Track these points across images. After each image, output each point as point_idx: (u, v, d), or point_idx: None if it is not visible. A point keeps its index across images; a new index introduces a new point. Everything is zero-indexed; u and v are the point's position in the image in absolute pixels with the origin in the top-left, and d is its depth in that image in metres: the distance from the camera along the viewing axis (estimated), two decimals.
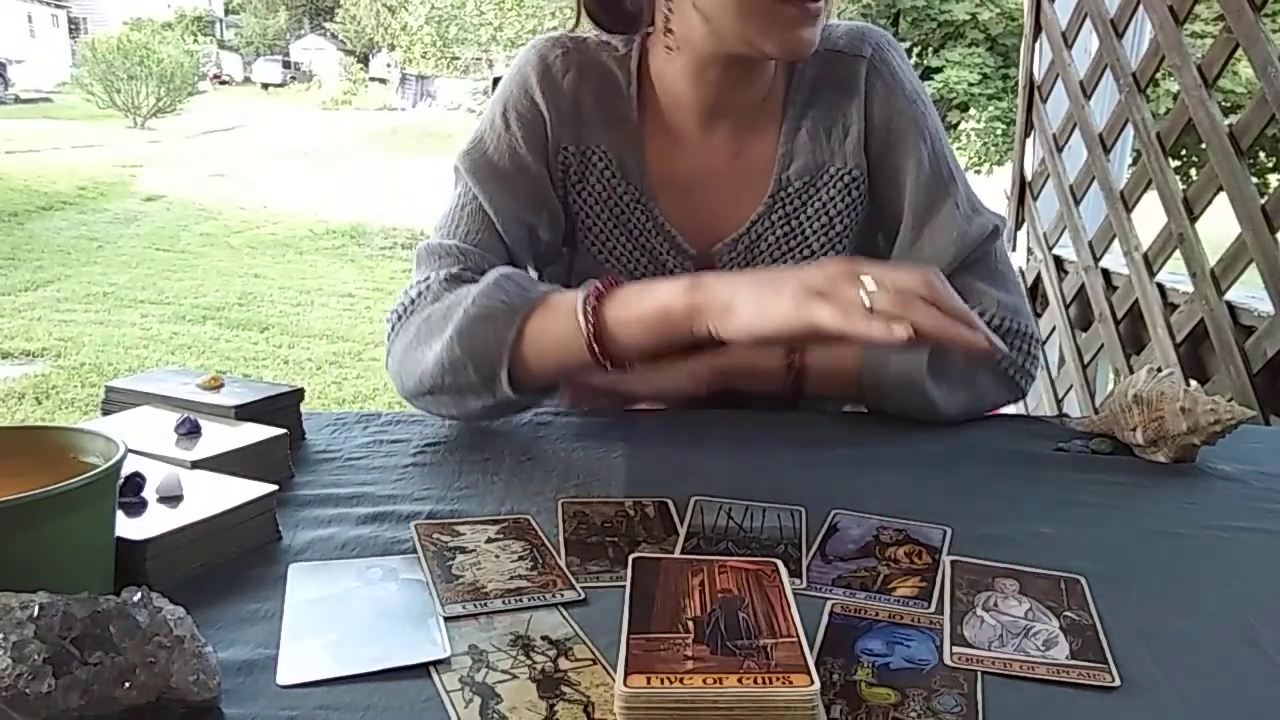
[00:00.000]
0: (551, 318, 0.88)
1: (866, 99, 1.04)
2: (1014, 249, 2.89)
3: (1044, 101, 2.62)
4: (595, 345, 0.85)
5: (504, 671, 0.57)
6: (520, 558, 0.72)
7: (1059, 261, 2.70)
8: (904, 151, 1.05)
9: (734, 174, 1.06)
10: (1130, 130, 1.98)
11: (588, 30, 1.11)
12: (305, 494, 0.83)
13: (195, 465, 0.78)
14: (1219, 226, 1.68)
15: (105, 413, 0.93)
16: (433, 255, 1.00)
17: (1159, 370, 0.97)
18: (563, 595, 0.66)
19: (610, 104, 1.06)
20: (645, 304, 0.84)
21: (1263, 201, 1.41)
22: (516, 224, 1.03)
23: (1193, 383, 0.95)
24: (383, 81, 30.93)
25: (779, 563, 0.65)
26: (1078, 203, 2.32)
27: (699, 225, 1.06)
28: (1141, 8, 1.90)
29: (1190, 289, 1.92)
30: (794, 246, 1.05)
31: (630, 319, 0.85)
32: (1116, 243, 2.03)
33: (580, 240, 1.10)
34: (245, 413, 0.89)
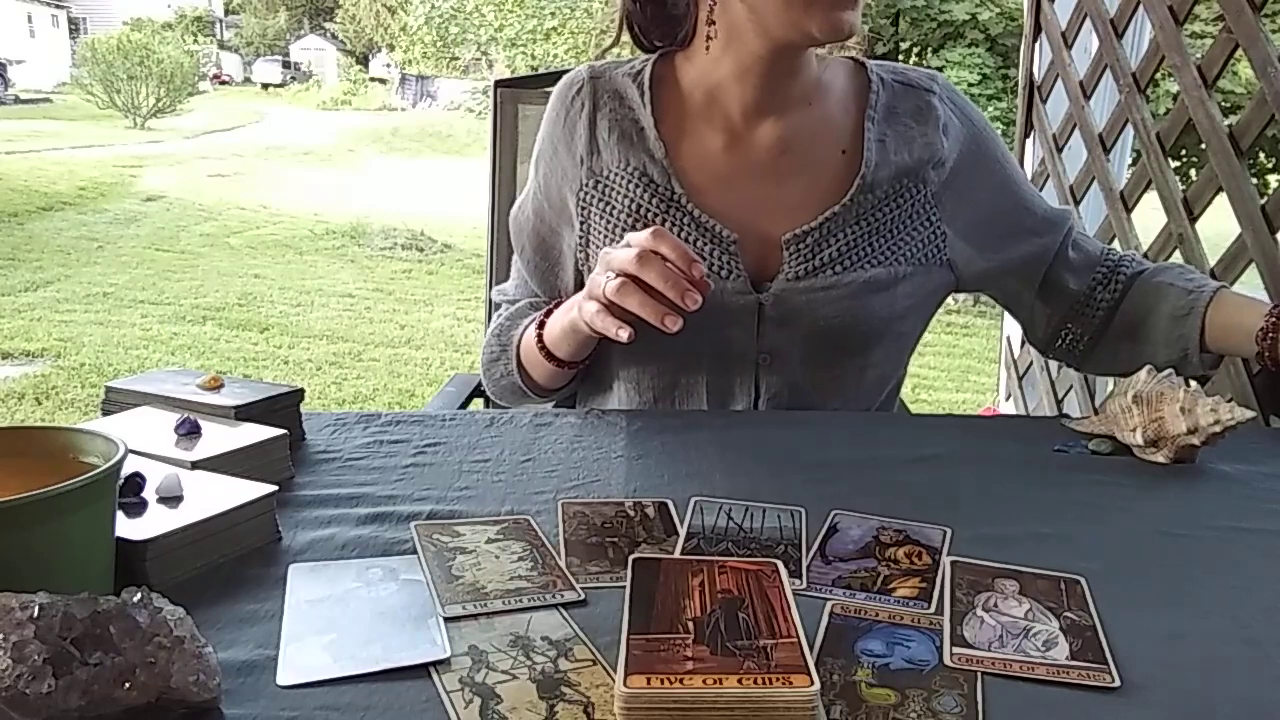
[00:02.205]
0: (526, 342, 1.13)
1: (944, 125, 1.12)
2: None
3: (1044, 102, 2.61)
4: (546, 356, 1.09)
5: (504, 672, 0.58)
6: (520, 558, 0.72)
7: None
8: (985, 169, 1.15)
9: (784, 169, 1.10)
10: (1130, 130, 1.97)
11: (620, 50, 1.18)
12: (305, 494, 0.83)
13: (195, 466, 0.78)
14: (1219, 226, 1.68)
15: (105, 413, 0.93)
16: (493, 304, 1.30)
17: (1159, 370, 0.97)
18: (563, 596, 0.67)
19: (626, 120, 1.11)
20: (559, 323, 1.07)
21: (1263, 201, 1.40)
22: (546, 271, 1.20)
23: (1193, 383, 0.95)
24: (382, 81, 30.87)
25: (779, 563, 0.65)
26: (1078, 203, 2.31)
27: (745, 215, 1.09)
28: (1141, 8, 1.89)
29: None
30: (863, 245, 1.09)
31: (556, 335, 1.07)
32: (1116, 243, 2.03)
33: None
34: (245, 413, 0.89)
